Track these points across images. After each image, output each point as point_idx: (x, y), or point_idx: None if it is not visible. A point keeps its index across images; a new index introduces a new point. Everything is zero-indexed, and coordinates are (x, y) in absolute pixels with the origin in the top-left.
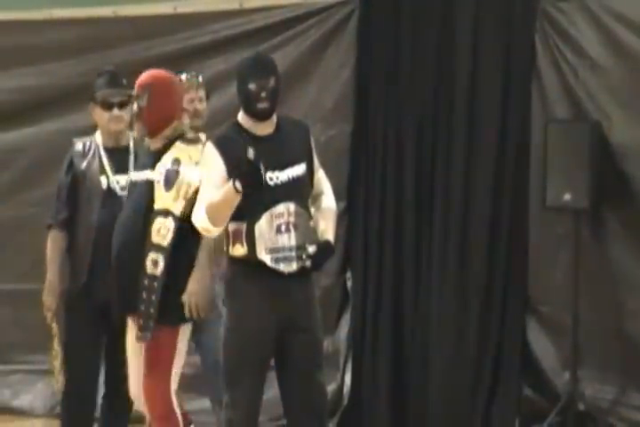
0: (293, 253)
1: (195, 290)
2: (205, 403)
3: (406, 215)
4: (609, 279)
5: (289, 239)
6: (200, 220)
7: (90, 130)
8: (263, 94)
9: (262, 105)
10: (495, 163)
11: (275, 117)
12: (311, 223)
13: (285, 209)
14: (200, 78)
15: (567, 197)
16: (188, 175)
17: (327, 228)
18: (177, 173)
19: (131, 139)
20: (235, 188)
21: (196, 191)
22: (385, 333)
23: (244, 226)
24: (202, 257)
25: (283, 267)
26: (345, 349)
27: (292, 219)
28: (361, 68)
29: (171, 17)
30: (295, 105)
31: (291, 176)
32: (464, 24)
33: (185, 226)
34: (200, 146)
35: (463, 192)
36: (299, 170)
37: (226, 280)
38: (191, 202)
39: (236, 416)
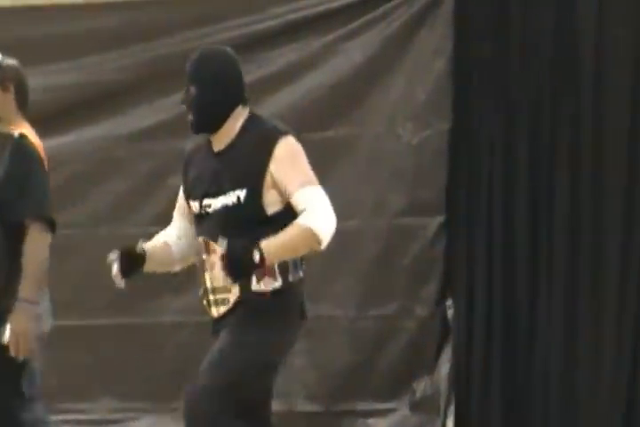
0: (213, 297)
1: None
2: None
3: (518, 231)
4: None
5: (207, 280)
6: None
7: (142, 134)
8: (184, 106)
9: (188, 117)
10: (627, 165)
11: (231, 130)
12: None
13: (199, 244)
14: None
15: None
16: None
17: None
18: None
19: None
20: None
21: None
22: (496, 371)
23: None
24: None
25: (212, 310)
26: (446, 390)
27: (205, 256)
28: (459, 55)
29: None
30: (380, 102)
31: (221, 205)
32: (587, 1)
33: None
34: None
35: (588, 201)
36: (232, 198)
37: None
38: None
39: None
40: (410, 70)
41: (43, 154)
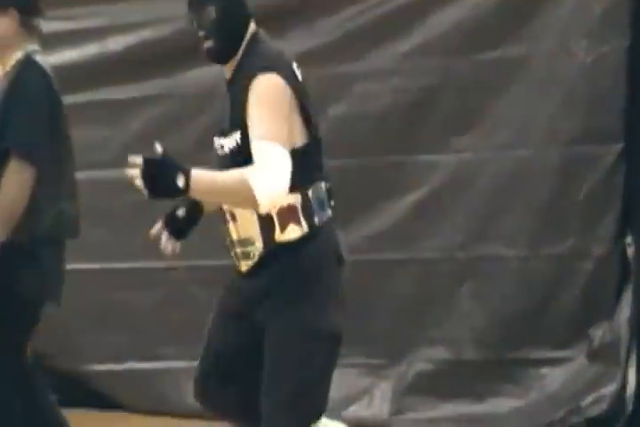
0: (240, 249)
1: None
2: None
3: None
4: None
5: (232, 232)
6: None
7: (302, 58)
8: (201, 33)
9: (205, 45)
10: None
11: (236, 60)
12: (252, 214)
13: None
14: None
15: None
16: None
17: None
18: None
19: None
20: None
21: None
22: None
23: None
24: None
25: (241, 264)
26: (627, 337)
27: (226, 206)
28: None
29: None
30: (551, 17)
31: (227, 148)
32: None
33: None
34: None
35: None
36: (232, 141)
37: None
38: None
39: None
40: None
41: (49, 80)
